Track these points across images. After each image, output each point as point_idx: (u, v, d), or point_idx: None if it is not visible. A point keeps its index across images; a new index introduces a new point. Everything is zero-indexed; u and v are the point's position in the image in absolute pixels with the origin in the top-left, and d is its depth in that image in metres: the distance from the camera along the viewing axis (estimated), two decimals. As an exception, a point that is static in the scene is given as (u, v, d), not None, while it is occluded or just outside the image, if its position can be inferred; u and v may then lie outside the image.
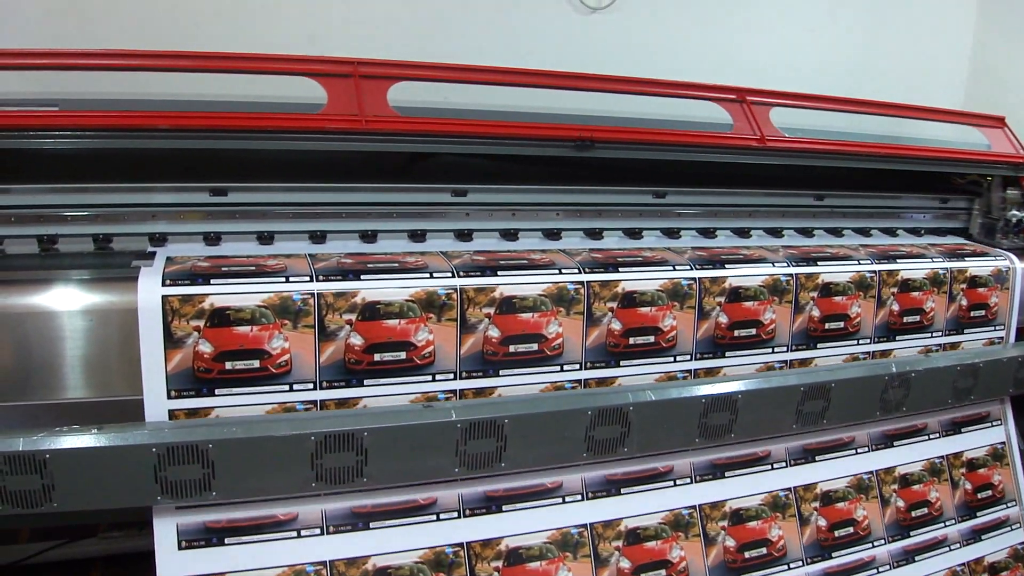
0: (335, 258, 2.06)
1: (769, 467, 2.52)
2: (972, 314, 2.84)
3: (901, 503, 2.73)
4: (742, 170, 2.74)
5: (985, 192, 3.12)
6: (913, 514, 2.75)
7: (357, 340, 1.97)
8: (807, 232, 2.83)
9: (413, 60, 2.32)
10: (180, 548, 1.86)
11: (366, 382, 2.00)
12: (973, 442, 2.95)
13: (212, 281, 1.86)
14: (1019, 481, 3.00)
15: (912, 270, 2.69)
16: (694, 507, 2.37)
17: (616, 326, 2.24)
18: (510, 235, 2.41)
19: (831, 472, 2.62)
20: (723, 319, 2.38)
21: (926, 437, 2.85)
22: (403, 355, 2.02)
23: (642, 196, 2.62)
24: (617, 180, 2.60)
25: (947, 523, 2.82)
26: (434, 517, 2.08)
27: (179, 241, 2.11)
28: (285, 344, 1.91)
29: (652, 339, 2.29)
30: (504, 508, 2.15)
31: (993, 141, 3.11)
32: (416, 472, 2.03)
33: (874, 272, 2.61)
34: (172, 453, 1.77)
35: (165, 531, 1.86)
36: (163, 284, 1.83)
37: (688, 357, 2.35)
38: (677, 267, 2.32)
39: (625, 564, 2.27)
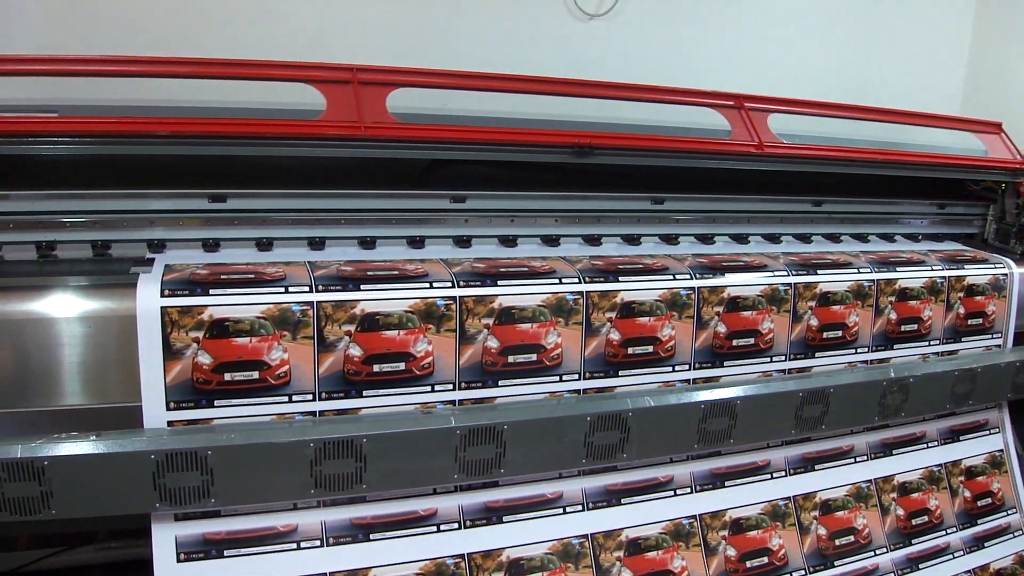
0: (334, 265, 2.05)
1: (768, 476, 2.52)
2: (970, 322, 2.85)
3: (901, 511, 2.73)
4: (740, 176, 2.73)
5: (1000, 198, 3.17)
6: (913, 522, 2.75)
7: (356, 351, 1.97)
8: (805, 238, 2.83)
9: (412, 67, 2.32)
10: (179, 560, 1.86)
11: (365, 393, 2.00)
12: (971, 450, 2.95)
13: (211, 291, 1.86)
14: (1018, 488, 3.01)
15: (910, 279, 2.69)
16: (694, 517, 2.37)
17: (615, 336, 2.24)
18: (509, 241, 2.41)
19: (830, 481, 2.63)
20: (721, 329, 2.38)
21: (924, 445, 2.85)
22: (402, 366, 2.02)
23: (641, 202, 2.62)
24: (616, 186, 2.60)
25: (948, 531, 2.82)
26: (434, 528, 2.07)
27: (178, 247, 2.11)
28: (284, 355, 1.91)
29: (651, 349, 2.29)
30: (505, 519, 2.15)
31: (990, 147, 3.11)
32: (415, 478, 2.03)
33: (872, 281, 2.61)
34: (171, 460, 1.77)
35: (164, 541, 1.85)
36: (162, 294, 1.82)
37: (687, 367, 2.35)
38: (678, 276, 2.32)
39: (627, 575, 2.27)
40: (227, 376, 1.87)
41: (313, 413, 1.96)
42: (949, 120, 3.33)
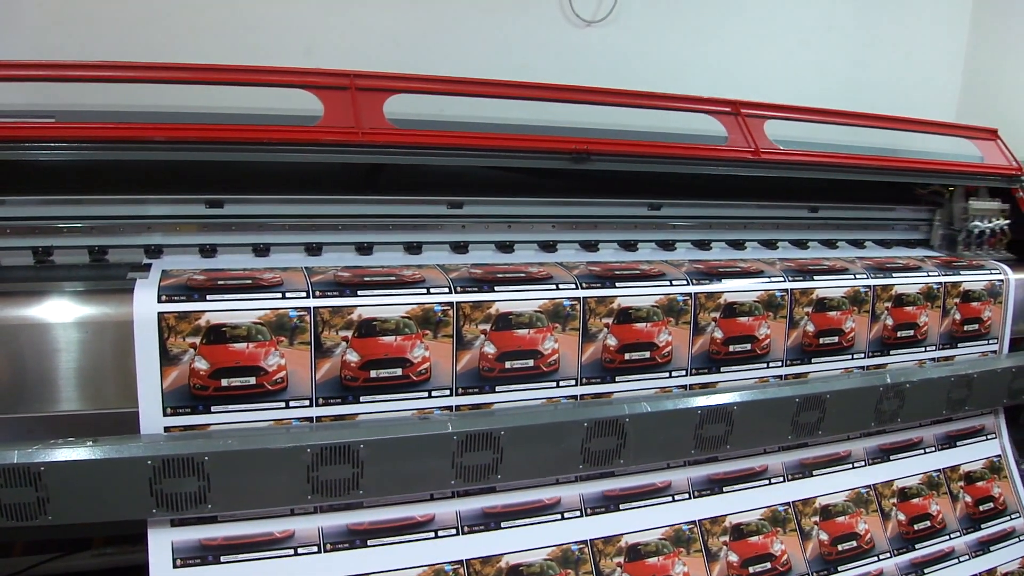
0: (331, 271, 2.05)
1: (767, 481, 2.52)
2: (966, 328, 2.85)
3: (902, 516, 2.73)
4: (737, 182, 2.74)
5: (947, 202, 3.09)
6: (916, 527, 2.75)
7: (353, 357, 1.97)
8: (802, 244, 2.84)
9: (409, 72, 2.32)
10: (175, 566, 1.85)
11: (362, 399, 1.99)
12: (969, 455, 2.96)
13: (208, 297, 1.86)
14: (1020, 493, 3.01)
15: (906, 284, 2.70)
16: (694, 522, 2.37)
17: (612, 342, 2.24)
18: (506, 247, 2.41)
19: (829, 486, 2.62)
20: (718, 334, 2.38)
21: (922, 451, 2.86)
22: (399, 372, 2.01)
23: (637, 208, 2.63)
24: (612, 192, 2.61)
25: (952, 535, 2.82)
26: (432, 534, 2.07)
27: (175, 253, 2.11)
28: (281, 361, 1.91)
29: (648, 355, 2.29)
30: (503, 525, 2.15)
31: (986, 153, 3.12)
32: (413, 484, 2.03)
33: (868, 287, 2.61)
34: (168, 466, 1.77)
35: (160, 547, 1.84)
36: (159, 300, 1.82)
37: (683, 373, 2.35)
38: (674, 282, 2.32)
39: None
40: (224, 382, 1.87)
41: (310, 419, 1.96)
42: (945, 126, 3.33)
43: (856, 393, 2.57)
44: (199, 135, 2.03)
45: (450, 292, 2.06)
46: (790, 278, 2.49)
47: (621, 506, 2.30)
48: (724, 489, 2.45)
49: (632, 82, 2.76)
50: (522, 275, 2.19)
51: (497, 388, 2.13)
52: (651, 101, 2.64)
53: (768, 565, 2.45)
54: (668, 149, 2.52)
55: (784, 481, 2.55)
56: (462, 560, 2.07)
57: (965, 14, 4.70)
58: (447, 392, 2.07)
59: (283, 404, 1.93)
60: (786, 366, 2.51)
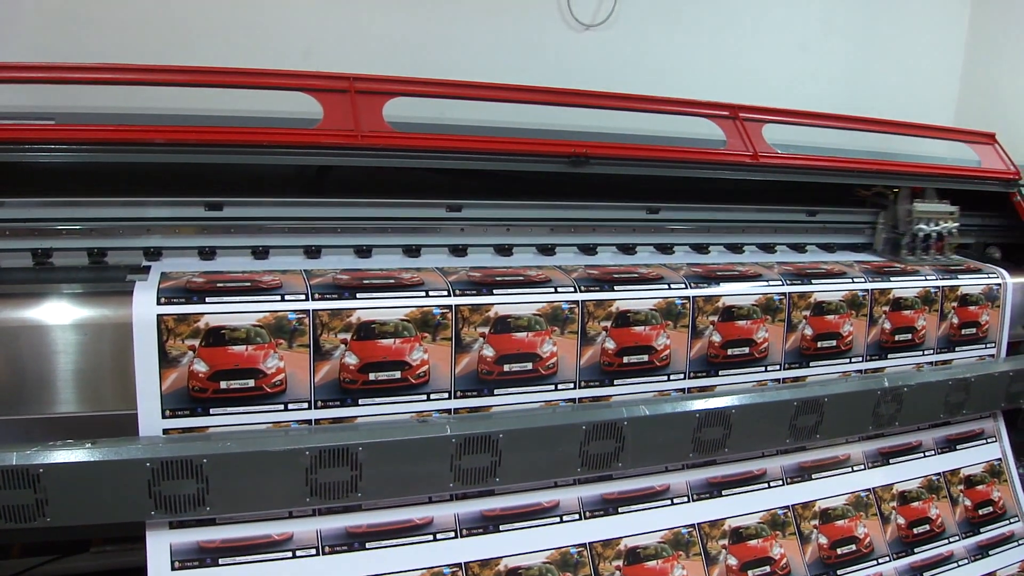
0: (330, 274, 2.06)
1: (765, 485, 2.52)
2: (963, 332, 2.86)
3: (902, 520, 2.73)
4: (735, 186, 2.75)
5: (891, 205, 2.99)
6: (915, 531, 2.75)
7: (352, 359, 1.97)
8: (800, 248, 2.84)
9: (408, 76, 2.33)
10: (174, 568, 1.84)
11: (361, 401, 1.99)
12: (969, 459, 2.96)
13: (207, 299, 1.86)
14: (1019, 497, 3.01)
15: (904, 289, 2.70)
16: (693, 526, 2.37)
17: (610, 345, 2.24)
18: (504, 250, 2.41)
19: (828, 490, 2.62)
20: (716, 338, 2.39)
21: (921, 455, 2.86)
22: (398, 374, 2.02)
23: (636, 212, 2.63)
24: (611, 196, 2.61)
25: (951, 539, 2.82)
26: (430, 537, 2.07)
27: (174, 255, 2.12)
28: (280, 363, 1.91)
29: (646, 358, 2.29)
30: (501, 528, 2.15)
31: (984, 157, 3.13)
32: (411, 487, 2.03)
33: (866, 291, 2.62)
34: (166, 468, 1.76)
35: (158, 549, 1.84)
36: (158, 302, 1.82)
37: (682, 376, 2.35)
38: (673, 285, 2.32)
39: None
40: (223, 384, 1.87)
41: (309, 421, 1.96)
42: (943, 130, 3.35)
43: (854, 397, 2.57)
44: (198, 137, 2.04)
45: (449, 295, 2.06)
46: (788, 282, 2.50)
47: (620, 509, 2.30)
48: (723, 492, 2.45)
49: (631, 86, 2.78)
50: (521, 278, 2.19)
51: (496, 391, 2.13)
52: (650, 105, 2.65)
53: (767, 569, 2.45)
54: (667, 153, 2.52)
55: (783, 485, 2.55)
56: (461, 563, 2.07)
57: (963, 19, 4.71)
58: (446, 395, 2.07)
59: (282, 407, 1.93)
60: (784, 370, 2.52)
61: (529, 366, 2.15)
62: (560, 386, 2.20)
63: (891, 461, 2.78)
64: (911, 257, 2.92)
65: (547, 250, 2.47)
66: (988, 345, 2.92)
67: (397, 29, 3.39)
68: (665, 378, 2.33)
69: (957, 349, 2.86)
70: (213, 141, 2.05)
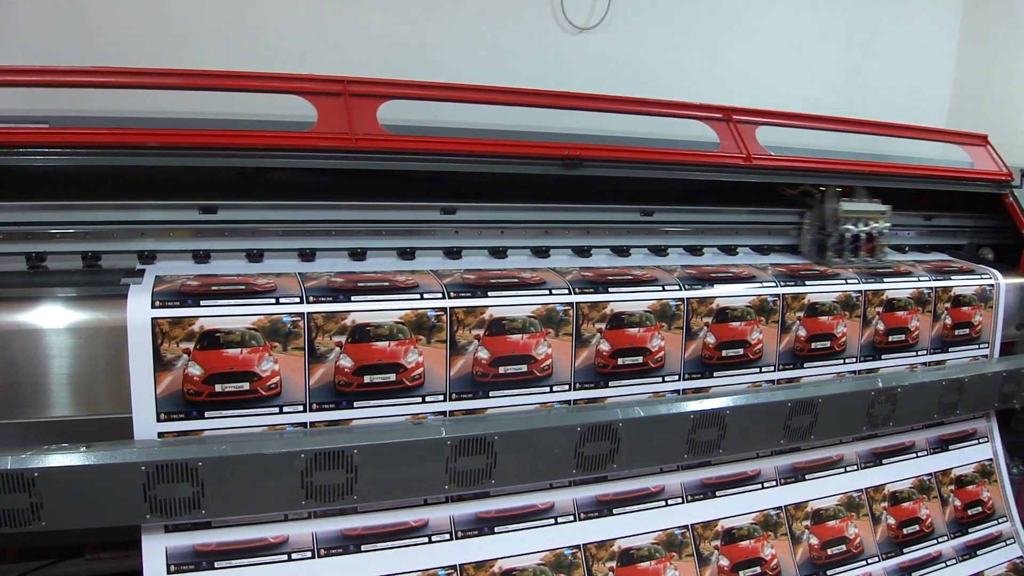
0: (325, 277, 2.06)
1: (759, 486, 2.53)
2: (957, 332, 2.87)
3: (892, 520, 2.74)
4: (728, 188, 2.75)
5: (817, 204, 2.84)
6: (905, 531, 2.76)
7: (347, 362, 1.97)
8: (793, 249, 2.85)
9: (403, 79, 2.33)
10: (169, 572, 1.85)
11: (356, 404, 2.00)
12: (961, 459, 2.97)
13: (202, 303, 1.86)
14: (1008, 497, 3.02)
15: (897, 290, 2.71)
16: (686, 527, 2.37)
17: (605, 347, 2.24)
18: (499, 253, 2.42)
19: (821, 490, 2.63)
20: (711, 339, 2.39)
21: (914, 455, 2.87)
22: (393, 377, 2.02)
23: (630, 214, 2.64)
24: (605, 198, 2.62)
25: (940, 540, 2.83)
26: (426, 539, 2.07)
27: (168, 259, 2.12)
28: (275, 366, 1.91)
29: (640, 360, 2.30)
30: (496, 529, 2.15)
31: (976, 159, 3.14)
32: (406, 489, 2.03)
33: (859, 292, 2.63)
34: (161, 471, 1.76)
35: (154, 553, 1.85)
36: (153, 306, 1.82)
37: (676, 377, 2.36)
38: (667, 287, 2.33)
39: None
40: (218, 387, 1.87)
41: (304, 424, 1.96)
42: (936, 132, 3.36)
43: (848, 397, 2.58)
44: (193, 141, 2.04)
45: (443, 297, 2.06)
46: (782, 283, 2.50)
47: (614, 511, 2.30)
48: (717, 493, 2.46)
49: (624, 88, 2.78)
50: (515, 280, 2.20)
51: (491, 393, 2.13)
52: (643, 107, 2.65)
53: (758, 569, 2.46)
54: (660, 155, 2.53)
55: (776, 485, 2.56)
56: (456, 565, 2.08)
57: (956, 21, 4.73)
58: (441, 397, 2.08)
59: (277, 409, 1.93)
60: (778, 371, 2.52)
61: (524, 368, 2.16)
62: (555, 388, 2.20)
63: (884, 461, 2.79)
64: (837, 260, 2.77)
65: (541, 252, 2.47)
66: (981, 346, 2.93)
67: (392, 32, 3.39)
68: (660, 380, 2.34)
69: (951, 350, 2.87)
70: (207, 144, 2.05)
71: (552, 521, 2.22)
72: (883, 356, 2.72)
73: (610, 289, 2.26)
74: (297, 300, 1.94)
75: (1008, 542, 2.96)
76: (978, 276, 2.92)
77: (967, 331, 2.89)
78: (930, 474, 2.87)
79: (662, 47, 3.93)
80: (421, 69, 3.28)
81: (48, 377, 1.83)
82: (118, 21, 2.99)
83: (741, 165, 2.60)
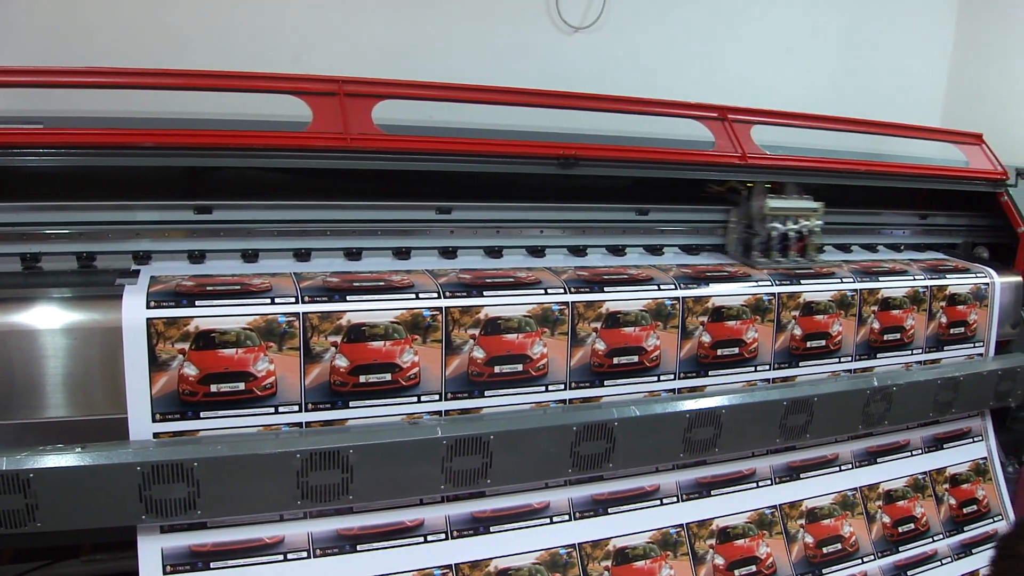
0: (320, 277, 2.06)
1: (754, 485, 2.53)
2: (952, 331, 2.88)
3: (887, 519, 2.74)
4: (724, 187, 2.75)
5: (743, 202, 2.70)
6: (900, 530, 2.76)
7: (342, 362, 1.97)
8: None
9: (398, 79, 2.33)
10: (165, 573, 1.85)
11: (351, 404, 2.00)
12: (955, 458, 2.98)
13: (197, 303, 1.86)
14: (1003, 496, 3.02)
15: (892, 288, 2.71)
16: (681, 526, 2.37)
17: (600, 346, 2.24)
18: (494, 252, 2.42)
19: (815, 489, 2.64)
20: (706, 338, 2.39)
21: (909, 453, 2.87)
22: (388, 376, 2.02)
23: (625, 213, 2.64)
24: (600, 197, 2.62)
25: (935, 538, 2.83)
26: (421, 539, 2.07)
27: (163, 259, 2.11)
28: (270, 366, 1.91)
29: (636, 359, 2.30)
30: (492, 529, 2.15)
31: (971, 158, 3.14)
32: (402, 489, 2.03)
33: (855, 291, 2.63)
34: (157, 472, 1.76)
35: (150, 554, 1.84)
36: (148, 306, 1.82)
37: (672, 376, 2.36)
38: (662, 286, 2.33)
39: None
40: (213, 388, 1.87)
41: (299, 424, 1.96)
42: (931, 131, 3.36)
43: (843, 396, 2.58)
44: (187, 141, 2.04)
45: (439, 297, 2.06)
46: (777, 282, 2.51)
47: (610, 510, 2.30)
48: (712, 492, 2.46)
49: (620, 88, 2.77)
50: (511, 280, 2.20)
51: (486, 393, 2.13)
52: (639, 107, 2.65)
53: (753, 568, 2.46)
54: (656, 154, 2.53)
55: (772, 484, 2.56)
56: (451, 565, 2.08)
57: (950, 21, 4.73)
58: (436, 397, 2.08)
59: (272, 409, 1.93)
60: (774, 369, 2.53)
61: (519, 367, 2.16)
62: (550, 387, 2.21)
63: (879, 460, 2.80)
64: (763, 260, 2.63)
65: (537, 252, 2.47)
66: (977, 344, 2.94)
67: (386, 32, 3.39)
68: (655, 379, 2.34)
69: (946, 348, 2.88)
70: (202, 144, 2.05)
71: (548, 520, 2.22)
72: (878, 355, 2.72)
73: (605, 288, 2.26)
74: (292, 300, 1.94)
75: None
76: (973, 275, 2.92)
77: (962, 330, 2.90)
78: (925, 473, 2.88)
79: (657, 46, 3.93)
80: (416, 69, 3.27)
81: (43, 378, 1.83)
82: (112, 21, 2.98)
83: (736, 164, 2.60)
